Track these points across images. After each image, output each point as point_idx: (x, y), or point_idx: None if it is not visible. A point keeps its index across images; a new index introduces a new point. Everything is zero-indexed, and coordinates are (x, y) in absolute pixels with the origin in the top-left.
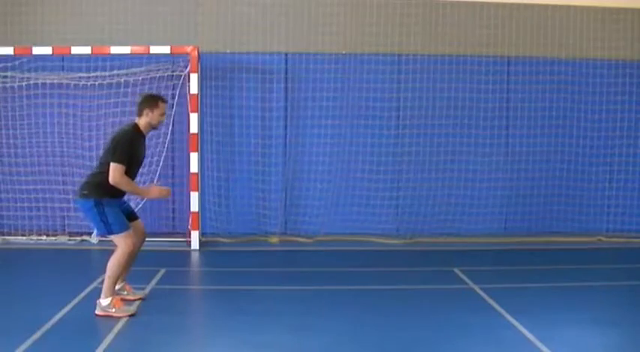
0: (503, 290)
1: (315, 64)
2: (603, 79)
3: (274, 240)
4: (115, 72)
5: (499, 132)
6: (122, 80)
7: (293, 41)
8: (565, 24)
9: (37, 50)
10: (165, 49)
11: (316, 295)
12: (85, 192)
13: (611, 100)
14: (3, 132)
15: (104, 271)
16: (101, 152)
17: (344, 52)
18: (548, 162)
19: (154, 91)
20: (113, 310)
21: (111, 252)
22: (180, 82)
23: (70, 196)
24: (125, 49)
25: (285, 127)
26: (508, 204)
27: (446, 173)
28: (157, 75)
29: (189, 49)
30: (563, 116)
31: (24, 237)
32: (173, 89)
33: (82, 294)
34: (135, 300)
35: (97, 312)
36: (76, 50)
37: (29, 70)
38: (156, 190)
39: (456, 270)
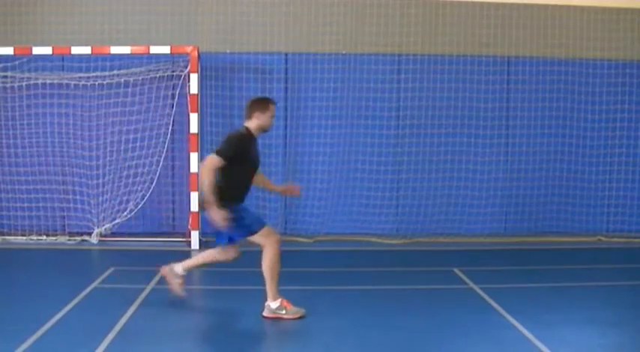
0: (503, 290)
1: (315, 64)
2: (603, 79)
3: None
4: (115, 72)
5: (499, 132)
6: (122, 80)
7: (293, 41)
8: (565, 24)
9: (37, 50)
10: (165, 49)
11: (316, 295)
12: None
13: (611, 100)
14: (3, 132)
15: (104, 271)
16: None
17: (344, 52)
18: (548, 162)
19: (154, 91)
20: (283, 312)
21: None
22: (180, 82)
23: (70, 196)
24: (125, 49)
25: (285, 127)
26: (508, 204)
27: (446, 173)
28: (157, 75)
29: (189, 49)
30: (563, 116)
31: (24, 237)
32: (173, 89)
33: (82, 294)
34: None
35: (265, 314)
36: (76, 50)
37: (29, 70)
38: (222, 214)
39: (456, 270)
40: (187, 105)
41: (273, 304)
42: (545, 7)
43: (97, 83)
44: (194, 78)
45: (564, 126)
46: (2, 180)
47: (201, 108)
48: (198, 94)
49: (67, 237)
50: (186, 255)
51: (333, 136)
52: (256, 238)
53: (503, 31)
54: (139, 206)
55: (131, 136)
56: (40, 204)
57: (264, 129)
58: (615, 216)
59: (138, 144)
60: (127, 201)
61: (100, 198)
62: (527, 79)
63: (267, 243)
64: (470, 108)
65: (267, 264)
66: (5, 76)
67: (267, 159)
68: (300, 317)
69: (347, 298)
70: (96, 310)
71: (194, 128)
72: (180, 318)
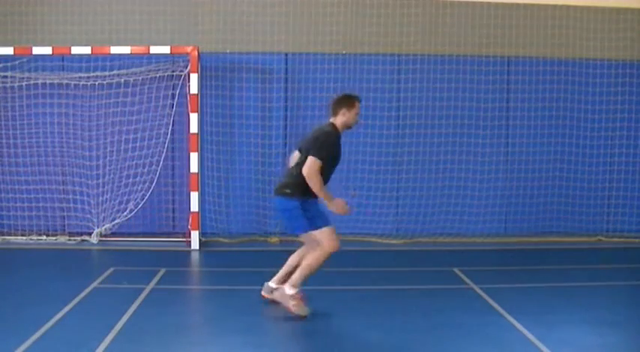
0: (503, 290)
1: (315, 64)
2: (603, 79)
3: (274, 240)
4: (115, 72)
5: (499, 132)
6: (122, 80)
7: (293, 41)
8: (565, 24)
9: (37, 50)
10: (165, 49)
11: (316, 295)
12: (289, 191)
13: (611, 100)
14: (3, 132)
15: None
16: (295, 155)
17: (344, 52)
18: (548, 162)
19: (154, 91)
20: (293, 303)
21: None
22: (180, 82)
23: (70, 196)
24: (125, 49)
25: (285, 127)
26: (508, 204)
27: (446, 173)
28: (157, 75)
29: (189, 49)
30: (563, 116)
31: (24, 237)
32: (173, 89)
33: (82, 294)
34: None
35: (270, 295)
36: (76, 50)
37: (29, 70)
38: (340, 203)
39: (456, 270)
40: (187, 105)
41: (289, 290)
42: (545, 7)
43: (97, 83)
44: (194, 78)
45: (564, 126)
46: (2, 180)
47: (201, 108)
48: (198, 94)
49: (67, 237)
50: (186, 254)
51: None
52: (317, 234)
53: (503, 31)
54: (139, 206)
55: (131, 136)
56: (40, 204)
57: (348, 126)
58: (615, 216)
59: (138, 144)
60: (127, 201)
61: (100, 198)
62: (527, 79)
63: (325, 242)
64: (470, 108)
65: (313, 259)
66: (5, 76)
67: (268, 159)
68: (302, 317)
69: (347, 298)
70: (96, 310)
71: (194, 128)
72: (179, 318)
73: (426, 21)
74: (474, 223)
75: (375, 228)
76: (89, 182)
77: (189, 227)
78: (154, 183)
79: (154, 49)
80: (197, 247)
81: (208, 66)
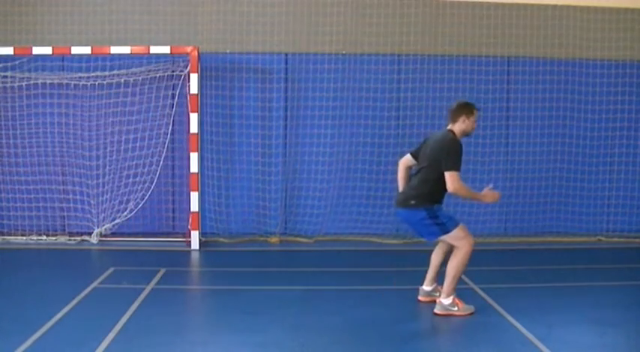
0: (503, 290)
1: (315, 64)
2: (603, 79)
3: (274, 240)
4: (115, 72)
5: (499, 133)
6: (122, 80)
7: (293, 41)
8: (565, 24)
9: (37, 50)
10: (165, 49)
11: (316, 295)
12: (414, 202)
13: (611, 100)
14: (3, 132)
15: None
16: (417, 162)
17: (344, 52)
18: (548, 162)
19: (154, 91)
20: (455, 309)
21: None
22: (180, 82)
23: (70, 196)
24: (125, 49)
25: (285, 127)
26: (508, 204)
27: None
28: (157, 75)
29: (189, 49)
30: (563, 116)
31: (24, 237)
32: (173, 89)
33: (82, 294)
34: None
35: (436, 311)
36: (76, 50)
37: (29, 70)
38: (490, 194)
39: None
40: (187, 105)
41: (445, 300)
42: (545, 7)
43: (97, 83)
44: (194, 78)
45: (564, 126)
46: (2, 180)
47: (201, 108)
48: (198, 94)
49: (67, 237)
50: (186, 254)
51: (333, 136)
52: (451, 239)
53: (503, 31)
54: (139, 206)
55: (131, 136)
56: (40, 204)
57: (467, 133)
58: (615, 216)
59: (138, 144)
60: (127, 201)
61: (100, 198)
62: (527, 79)
63: (462, 244)
64: None
65: (457, 262)
66: (5, 76)
67: (268, 159)
68: (470, 315)
69: (347, 298)
70: (96, 310)
71: (194, 128)
72: (179, 318)
73: (426, 21)
74: (474, 223)
75: (375, 228)
76: (89, 182)
77: (189, 227)
78: (153, 183)
79: (154, 49)
80: (197, 247)
81: (208, 66)
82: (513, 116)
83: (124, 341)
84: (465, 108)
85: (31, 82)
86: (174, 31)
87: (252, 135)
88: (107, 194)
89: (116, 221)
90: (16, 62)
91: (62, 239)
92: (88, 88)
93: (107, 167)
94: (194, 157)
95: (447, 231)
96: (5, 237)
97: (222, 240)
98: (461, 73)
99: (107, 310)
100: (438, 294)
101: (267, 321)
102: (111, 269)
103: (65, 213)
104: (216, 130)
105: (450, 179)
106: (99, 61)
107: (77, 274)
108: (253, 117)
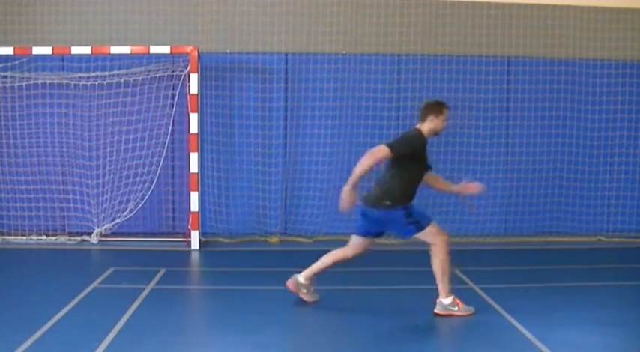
0: (503, 290)
1: (315, 64)
2: (603, 79)
3: (274, 240)
4: (115, 72)
5: (499, 132)
6: (122, 80)
7: (293, 41)
8: (565, 24)
9: (37, 50)
10: (165, 49)
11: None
12: (389, 203)
13: (611, 100)
14: (3, 132)
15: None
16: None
17: (344, 52)
18: (548, 162)
19: (154, 91)
20: (456, 308)
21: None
22: (180, 82)
23: (70, 196)
24: (125, 49)
25: (285, 127)
26: (508, 204)
27: (446, 173)
28: (157, 75)
29: (189, 49)
30: (563, 116)
31: (24, 237)
32: (173, 89)
33: (82, 294)
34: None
35: (437, 311)
36: (76, 50)
37: (29, 70)
38: (348, 195)
39: (456, 270)
40: (187, 105)
41: (445, 300)
42: (545, 7)
43: (97, 83)
44: (194, 78)
45: (564, 126)
46: (2, 180)
47: (201, 108)
48: (198, 94)
49: (67, 237)
50: (186, 254)
51: (333, 136)
52: (425, 236)
53: (503, 31)
54: (139, 206)
55: (131, 136)
56: (40, 204)
57: (436, 133)
58: (615, 216)
59: (138, 144)
60: (127, 201)
61: (100, 198)
62: (527, 79)
63: (436, 242)
64: (470, 108)
65: (438, 260)
66: (5, 76)
67: (268, 159)
68: (470, 315)
69: (347, 298)
70: (96, 310)
71: (194, 128)
72: (179, 318)
73: (426, 21)
74: (474, 223)
75: None
76: (89, 182)
77: (189, 227)
78: (153, 183)
79: (154, 49)
80: (197, 247)
81: (208, 66)
82: (513, 116)
83: (124, 342)
84: (434, 107)
85: (31, 82)
86: (174, 31)
87: (252, 135)
88: (107, 194)
89: (116, 221)
90: (16, 62)
91: (62, 239)
92: (88, 88)
93: (107, 167)
94: (194, 157)
95: (421, 229)
96: (5, 237)
97: (222, 240)
98: (461, 73)
99: (107, 310)
100: (305, 291)
101: (266, 321)
102: (111, 269)
103: (65, 213)
104: (216, 130)
105: (378, 148)
106: (99, 61)
107: (77, 274)
108: (253, 117)
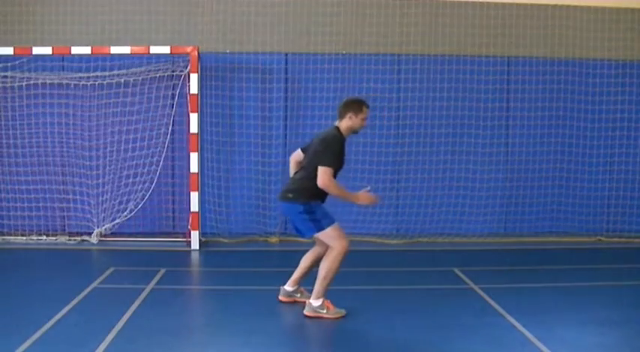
0: (503, 290)
1: (315, 64)
2: (603, 79)
3: (274, 240)
4: (115, 72)
5: (499, 133)
6: (122, 80)
7: (293, 41)
8: (565, 24)
9: (37, 50)
10: (165, 49)
11: None
12: (291, 196)
13: (611, 100)
14: (3, 132)
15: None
16: (303, 157)
17: (344, 52)
18: (548, 162)
19: (154, 91)
20: (324, 312)
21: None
22: (180, 82)
23: (70, 196)
24: (125, 49)
25: (285, 127)
26: (508, 204)
27: (445, 173)
28: (157, 75)
29: (189, 49)
30: (563, 116)
31: (24, 237)
32: (173, 89)
33: (82, 294)
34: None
35: (306, 313)
36: (76, 50)
37: (29, 70)
38: (365, 196)
39: (456, 270)
40: (187, 105)
41: (315, 302)
42: (545, 7)
43: (97, 83)
44: (194, 78)
45: (564, 126)
46: (2, 180)
47: (201, 108)
48: (198, 94)
49: (67, 237)
50: (186, 254)
51: None
52: (324, 237)
53: (504, 31)
54: (139, 206)
55: (131, 136)
56: (40, 204)
57: (354, 131)
58: (615, 216)
59: (138, 144)
60: (127, 201)
61: (100, 198)
62: (527, 79)
63: (334, 246)
64: (470, 108)
65: (328, 263)
66: (5, 76)
67: (268, 159)
68: (340, 318)
69: (347, 298)
70: (96, 310)
71: (194, 128)
72: (180, 318)
73: (426, 21)
74: (474, 223)
75: (375, 228)
76: (89, 182)
77: (189, 227)
78: (153, 183)
79: (154, 49)
80: (197, 247)
81: (208, 66)
82: (513, 116)
83: (124, 342)
84: (353, 105)
85: (31, 82)
86: (174, 31)
87: (252, 135)
88: (107, 194)
89: (116, 221)
90: (16, 62)
91: (62, 239)
92: (88, 88)
93: (107, 167)
94: (194, 157)
95: (321, 228)
96: (5, 237)
97: (222, 240)
98: (461, 73)
99: (107, 310)
100: (299, 295)
101: (267, 321)
102: (111, 269)
103: (65, 213)
104: (216, 130)
105: (321, 174)
106: (99, 61)
107: (77, 274)
108: (253, 117)
